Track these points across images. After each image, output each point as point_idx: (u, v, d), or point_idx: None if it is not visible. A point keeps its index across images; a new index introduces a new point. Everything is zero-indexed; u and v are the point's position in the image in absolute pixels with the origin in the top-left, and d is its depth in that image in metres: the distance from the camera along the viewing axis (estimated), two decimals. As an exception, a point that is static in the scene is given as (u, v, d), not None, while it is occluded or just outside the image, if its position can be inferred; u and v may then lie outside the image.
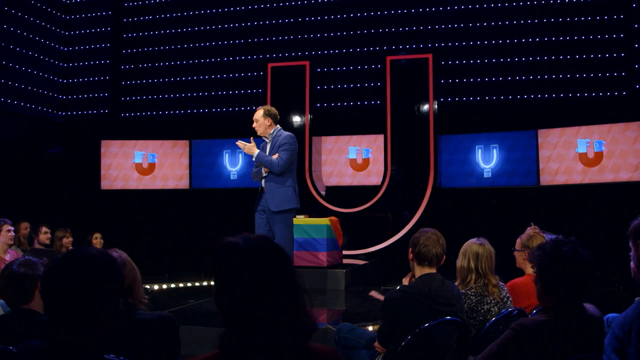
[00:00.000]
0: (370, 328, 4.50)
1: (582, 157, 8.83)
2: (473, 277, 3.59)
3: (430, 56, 9.29)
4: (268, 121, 5.82)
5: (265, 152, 5.82)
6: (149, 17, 11.32)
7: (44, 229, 6.86)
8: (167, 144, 10.57)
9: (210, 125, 10.75)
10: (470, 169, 9.47)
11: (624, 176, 8.54)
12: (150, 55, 11.27)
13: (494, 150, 9.36)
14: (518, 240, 4.16)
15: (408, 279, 3.53)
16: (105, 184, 10.48)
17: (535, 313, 3.74)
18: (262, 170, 5.80)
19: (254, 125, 5.86)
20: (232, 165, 10.39)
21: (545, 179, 9.04)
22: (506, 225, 8.74)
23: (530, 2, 9.52)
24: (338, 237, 7.63)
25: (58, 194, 10.41)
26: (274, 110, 5.92)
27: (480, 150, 9.44)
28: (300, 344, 1.59)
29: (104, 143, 10.52)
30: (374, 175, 9.91)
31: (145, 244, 9.98)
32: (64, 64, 11.53)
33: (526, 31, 9.51)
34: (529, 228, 4.16)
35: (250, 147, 5.77)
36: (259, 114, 5.84)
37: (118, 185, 10.50)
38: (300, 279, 1.66)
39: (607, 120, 8.65)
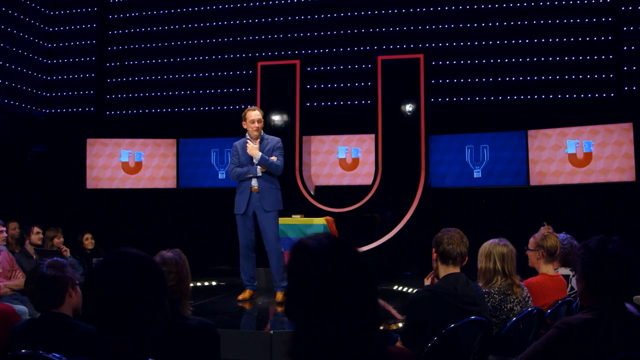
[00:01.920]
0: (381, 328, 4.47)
1: (572, 158, 8.93)
2: (499, 278, 3.59)
3: (421, 56, 9.32)
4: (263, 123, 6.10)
5: None
6: (135, 14, 11.13)
7: (36, 229, 6.69)
8: (154, 142, 10.41)
9: (198, 124, 10.63)
10: (460, 169, 9.51)
11: (612, 177, 8.66)
12: (137, 52, 11.08)
13: (484, 151, 9.41)
14: (531, 240, 4.18)
15: (430, 279, 3.51)
16: (91, 183, 10.29)
17: (550, 310, 3.78)
18: (258, 170, 5.85)
19: (260, 125, 5.97)
20: (220, 165, 10.28)
21: (535, 180, 9.12)
22: (496, 225, 8.79)
23: (520, 4, 9.59)
24: (334, 237, 7.58)
25: (43, 193, 10.18)
26: None
27: (470, 151, 9.48)
28: (378, 349, 1.55)
29: (89, 141, 10.33)
30: (363, 175, 9.89)
31: (132, 245, 9.77)
32: (48, 61, 11.28)
33: (517, 33, 9.57)
34: (542, 228, 4.19)
35: (254, 149, 5.87)
36: (261, 114, 6.02)
37: (104, 184, 10.31)
38: (374, 280, 1.60)
39: (596, 121, 8.76)
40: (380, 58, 9.45)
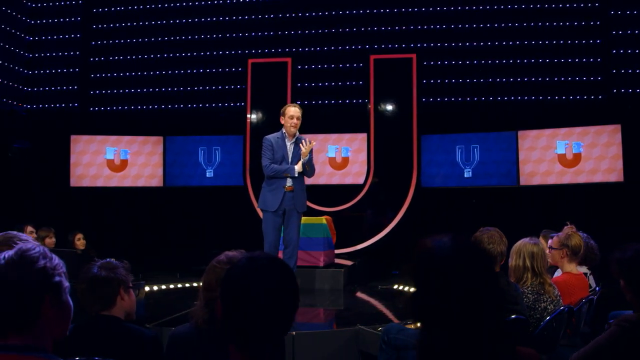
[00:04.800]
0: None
1: (561, 158, 9.07)
2: (529, 276, 3.61)
3: (414, 56, 9.36)
4: None
5: (290, 152, 5.89)
6: (121, 8, 10.87)
7: (29, 228, 6.44)
8: (140, 140, 10.19)
9: (185, 122, 10.44)
10: (450, 169, 9.56)
11: (601, 177, 8.82)
12: (123, 47, 10.81)
13: (475, 151, 9.48)
14: (555, 239, 4.21)
15: (468, 278, 3.48)
16: (75, 181, 10.01)
17: (576, 308, 3.81)
18: (296, 171, 5.83)
19: (298, 122, 5.87)
20: (208, 163, 10.13)
21: (525, 180, 9.23)
22: (486, 225, 8.83)
23: (512, 6, 9.71)
24: (332, 236, 7.55)
25: (25, 190, 9.86)
26: None
27: (460, 150, 9.54)
28: (508, 349, 1.51)
29: (73, 138, 10.04)
30: (353, 175, 9.86)
31: (117, 244, 9.61)
32: (30, 54, 10.94)
33: (508, 34, 9.69)
34: (566, 227, 4.23)
35: (306, 152, 5.79)
36: (301, 112, 5.89)
37: (88, 182, 10.05)
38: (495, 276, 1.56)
39: (585, 122, 8.92)
40: (372, 57, 9.46)
